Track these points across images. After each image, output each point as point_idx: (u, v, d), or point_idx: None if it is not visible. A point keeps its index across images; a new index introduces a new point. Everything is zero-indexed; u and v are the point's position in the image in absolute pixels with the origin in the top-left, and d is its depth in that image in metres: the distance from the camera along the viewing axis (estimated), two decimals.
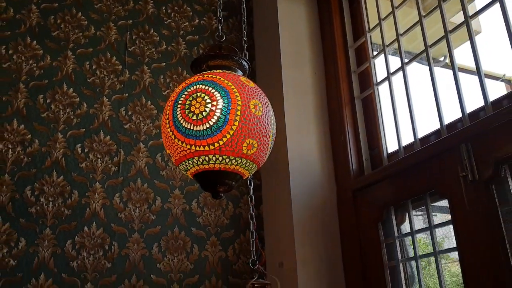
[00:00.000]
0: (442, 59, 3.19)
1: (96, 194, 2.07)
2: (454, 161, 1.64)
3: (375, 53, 2.36)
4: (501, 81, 3.91)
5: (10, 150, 2.00)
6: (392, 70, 2.17)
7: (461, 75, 1.82)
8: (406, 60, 2.11)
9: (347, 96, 2.41)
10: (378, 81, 2.28)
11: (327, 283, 2.06)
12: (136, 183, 2.17)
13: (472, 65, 1.74)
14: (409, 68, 2.10)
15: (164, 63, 2.48)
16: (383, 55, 2.24)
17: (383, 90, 2.30)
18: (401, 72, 2.10)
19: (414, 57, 2.11)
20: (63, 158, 2.08)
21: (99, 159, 2.14)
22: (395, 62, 2.22)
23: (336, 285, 2.07)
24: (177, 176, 2.24)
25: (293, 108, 2.38)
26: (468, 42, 1.76)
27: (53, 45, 2.25)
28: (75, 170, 2.08)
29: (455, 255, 1.68)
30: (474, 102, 1.74)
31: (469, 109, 1.77)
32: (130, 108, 2.30)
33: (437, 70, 1.95)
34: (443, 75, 2.00)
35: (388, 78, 2.18)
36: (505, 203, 1.49)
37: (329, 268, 2.09)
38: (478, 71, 1.70)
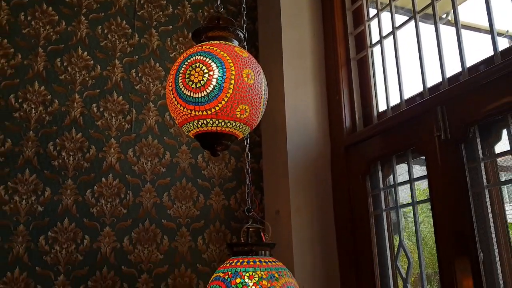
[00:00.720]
0: (444, 16, 3.24)
1: (112, 149, 2.28)
2: (430, 121, 1.79)
3: (372, 14, 2.43)
4: (504, 37, 3.95)
5: (33, 109, 2.19)
6: (389, 30, 2.25)
7: (449, 36, 1.90)
8: (398, 25, 2.21)
9: (343, 57, 2.52)
10: (373, 43, 2.39)
11: (318, 228, 2.28)
12: (147, 139, 2.36)
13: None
14: (408, 27, 2.17)
15: (171, 26, 2.60)
16: (382, 15, 2.32)
17: (377, 52, 2.41)
18: (398, 32, 2.19)
19: (406, 21, 2.18)
20: (80, 117, 2.27)
21: (113, 118, 2.32)
22: (397, 19, 2.28)
23: (327, 231, 2.29)
24: (183, 133, 2.43)
25: (292, 67, 2.50)
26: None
27: (67, 11, 2.39)
28: (92, 127, 2.28)
29: None
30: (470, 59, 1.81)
31: (451, 72, 1.89)
32: (140, 70, 2.45)
33: (432, 29, 2.03)
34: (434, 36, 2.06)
35: (380, 41, 2.29)
36: (472, 160, 1.65)
37: (321, 216, 2.29)
38: (458, 37, 1.81)
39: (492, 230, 1.59)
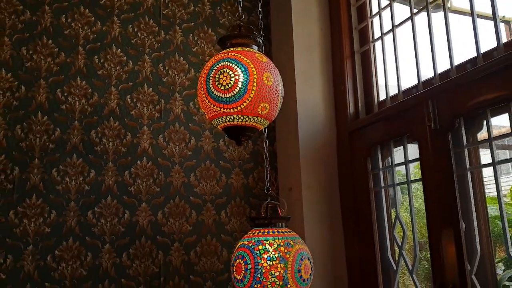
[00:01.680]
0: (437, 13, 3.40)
1: (145, 135, 2.55)
2: (423, 113, 2.03)
3: (375, 11, 2.63)
4: (500, 22, 4.11)
5: (77, 102, 2.46)
6: (389, 27, 2.46)
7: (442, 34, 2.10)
8: (397, 23, 2.41)
9: (348, 50, 2.73)
10: (375, 38, 2.61)
11: (326, 203, 2.54)
12: (175, 126, 2.63)
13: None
14: (407, 25, 2.35)
15: (193, 23, 2.83)
16: (387, 10, 2.51)
17: (379, 46, 2.62)
18: (400, 28, 2.40)
19: (404, 20, 2.39)
20: (117, 107, 2.53)
21: (145, 107, 2.58)
22: (402, 11, 2.45)
23: (333, 205, 2.55)
24: (206, 120, 2.68)
25: (302, 60, 2.72)
26: None
27: (101, 12, 2.62)
28: (127, 116, 2.54)
29: None
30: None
31: (443, 68, 2.11)
32: (166, 64, 2.70)
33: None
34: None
35: (381, 37, 2.51)
36: (457, 147, 1.90)
37: (328, 193, 2.56)
38: (447, 35, 2.03)
39: (473, 205, 1.85)
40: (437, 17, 2.14)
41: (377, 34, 2.62)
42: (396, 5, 2.47)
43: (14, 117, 2.33)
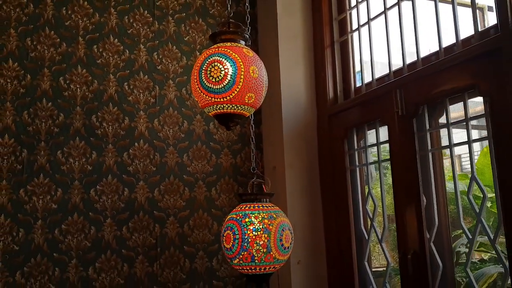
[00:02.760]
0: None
1: (141, 119, 2.72)
2: (392, 100, 2.22)
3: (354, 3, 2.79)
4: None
5: (78, 89, 2.61)
6: (368, 18, 2.62)
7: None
8: (372, 16, 2.58)
9: (329, 40, 2.88)
10: (353, 29, 2.78)
11: (307, 180, 2.74)
12: (169, 110, 2.79)
13: None
14: (382, 18, 2.52)
15: (184, 14, 2.96)
16: (363, 4, 2.67)
17: (356, 37, 2.79)
18: (375, 20, 2.57)
19: (379, 14, 2.56)
20: (115, 94, 2.69)
21: (141, 93, 2.74)
22: (379, 3, 2.59)
23: (313, 182, 2.75)
24: (197, 105, 2.85)
25: (286, 49, 2.87)
26: None
27: (99, 4, 2.74)
28: (125, 102, 2.70)
29: None
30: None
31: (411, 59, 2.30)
32: (160, 52, 2.84)
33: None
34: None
35: (358, 29, 2.68)
36: (420, 131, 2.11)
37: (309, 171, 2.76)
38: (415, 29, 2.21)
39: (433, 182, 2.07)
40: (408, 9, 2.30)
41: (355, 25, 2.79)
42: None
43: (21, 103, 2.47)
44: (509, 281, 1.71)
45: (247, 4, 2.25)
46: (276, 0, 2.92)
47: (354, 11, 2.79)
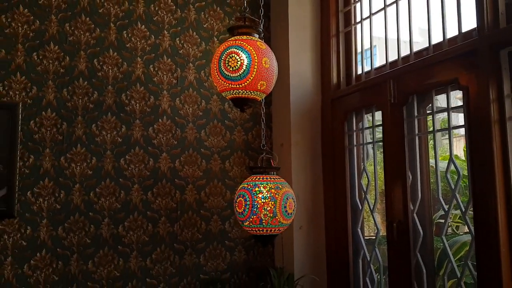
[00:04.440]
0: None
1: (164, 98, 2.98)
2: (386, 89, 2.45)
3: None
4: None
5: (110, 70, 2.86)
6: (369, 13, 2.84)
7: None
8: (374, 11, 2.78)
9: (334, 30, 3.08)
10: (357, 21, 2.98)
11: (310, 157, 3.00)
12: (189, 91, 3.05)
13: None
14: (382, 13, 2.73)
15: (204, 2, 3.18)
16: None
17: (359, 28, 2.99)
18: (378, 14, 2.77)
19: (379, 10, 2.76)
20: (142, 75, 2.94)
21: (164, 75, 3.00)
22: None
23: (316, 158, 3.01)
24: (214, 87, 3.10)
25: (296, 38, 3.08)
26: None
27: None
28: (150, 82, 2.96)
29: None
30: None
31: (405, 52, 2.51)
32: (182, 38, 3.08)
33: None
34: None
35: (360, 22, 2.88)
36: (409, 118, 2.35)
37: (312, 148, 3.02)
38: (409, 25, 2.42)
39: (418, 161, 2.33)
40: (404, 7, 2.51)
41: (359, 17, 2.98)
42: None
43: (61, 82, 2.74)
44: (474, 246, 1.97)
45: None
46: None
47: (358, 4, 2.98)
